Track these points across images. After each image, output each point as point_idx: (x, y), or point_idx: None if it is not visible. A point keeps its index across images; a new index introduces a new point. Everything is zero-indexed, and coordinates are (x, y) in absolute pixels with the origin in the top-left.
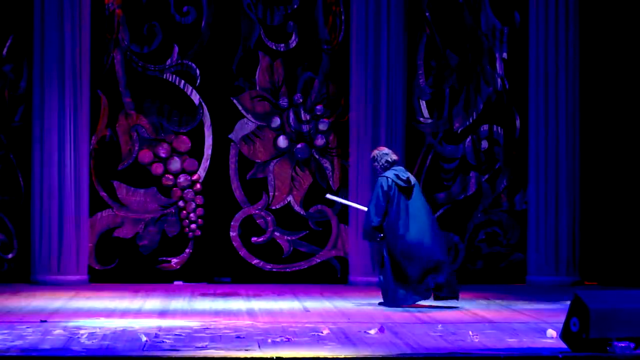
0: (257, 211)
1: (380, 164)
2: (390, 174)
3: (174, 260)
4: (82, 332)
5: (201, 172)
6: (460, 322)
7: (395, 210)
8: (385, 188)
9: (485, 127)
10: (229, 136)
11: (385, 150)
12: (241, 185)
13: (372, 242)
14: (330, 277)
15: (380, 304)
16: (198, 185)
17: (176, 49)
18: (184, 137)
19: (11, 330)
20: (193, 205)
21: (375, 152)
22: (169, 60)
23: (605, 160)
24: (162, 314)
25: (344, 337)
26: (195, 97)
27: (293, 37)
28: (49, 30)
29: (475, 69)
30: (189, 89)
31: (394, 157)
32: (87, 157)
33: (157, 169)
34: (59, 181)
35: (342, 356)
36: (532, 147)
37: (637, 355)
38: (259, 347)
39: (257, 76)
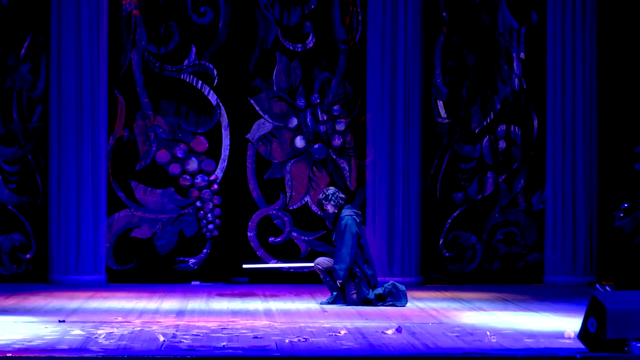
0: (274, 211)
1: (336, 202)
2: (350, 212)
3: (192, 261)
4: (99, 332)
5: (218, 173)
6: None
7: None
8: (354, 232)
9: (503, 127)
10: (246, 136)
11: (334, 189)
12: (258, 185)
13: (337, 283)
14: None
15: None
16: (215, 186)
17: (193, 49)
18: (202, 137)
19: (30, 330)
20: (210, 205)
21: (327, 193)
22: (186, 61)
23: (622, 160)
24: (180, 314)
25: (361, 337)
26: (213, 98)
27: (310, 38)
28: (66, 30)
29: (493, 68)
30: (206, 90)
31: (344, 194)
32: (104, 157)
33: (175, 169)
34: (76, 181)
35: (360, 356)
36: (549, 147)
37: None
38: (277, 347)
39: (274, 76)
